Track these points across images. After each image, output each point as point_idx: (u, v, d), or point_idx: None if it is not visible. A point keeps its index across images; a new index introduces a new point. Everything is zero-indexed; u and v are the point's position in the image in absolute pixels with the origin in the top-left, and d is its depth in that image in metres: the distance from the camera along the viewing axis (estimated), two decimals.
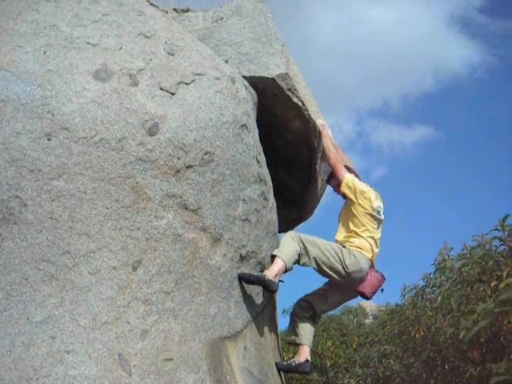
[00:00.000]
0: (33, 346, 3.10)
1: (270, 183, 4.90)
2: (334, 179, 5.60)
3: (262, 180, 4.54)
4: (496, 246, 6.15)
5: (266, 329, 4.88)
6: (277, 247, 4.88)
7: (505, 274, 5.46)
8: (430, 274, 8.07)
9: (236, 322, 4.15)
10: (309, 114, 5.50)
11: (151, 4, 4.60)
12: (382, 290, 5.23)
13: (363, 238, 5.07)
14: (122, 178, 3.55)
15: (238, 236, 4.19)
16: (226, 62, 4.89)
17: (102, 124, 3.56)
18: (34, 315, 3.17)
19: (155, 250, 3.60)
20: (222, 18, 5.43)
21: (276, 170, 5.35)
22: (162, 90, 3.87)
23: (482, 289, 5.89)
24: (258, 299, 4.63)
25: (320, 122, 5.69)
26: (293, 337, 5.28)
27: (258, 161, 4.52)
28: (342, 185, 5.25)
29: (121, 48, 3.93)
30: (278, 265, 4.64)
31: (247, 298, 4.40)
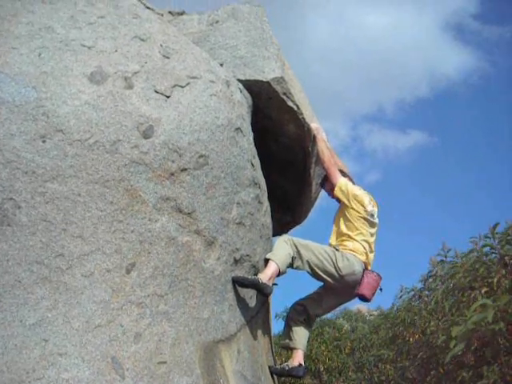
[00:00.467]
0: (25, 349, 3.09)
1: (264, 187, 4.90)
2: (327, 183, 5.61)
3: (256, 183, 4.54)
4: (487, 252, 6.19)
5: (259, 332, 4.88)
6: (271, 251, 4.88)
7: (495, 280, 5.49)
8: (427, 276, 8.09)
9: (230, 325, 4.15)
10: (303, 118, 5.51)
11: (147, 7, 4.59)
12: (381, 289, 5.22)
13: (357, 241, 5.07)
14: (117, 181, 3.54)
15: (232, 239, 4.19)
16: (221, 65, 4.89)
17: (97, 126, 3.55)
18: (27, 318, 3.16)
19: (149, 252, 3.59)
20: (217, 22, 5.43)
21: (270, 173, 5.35)
22: (157, 92, 3.87)
23: (473, 295, 5.92)
24: (252, 303, 4.63)
25: (314, 125, 5.70)
26: (287, 341, 5.28)
27: (252, 164, 4.53)
28: (336, 189, 5.26)
29: (116, 51, 3.92)
30: (271, 268, 4.64)
31: (241, 302, 4.40)
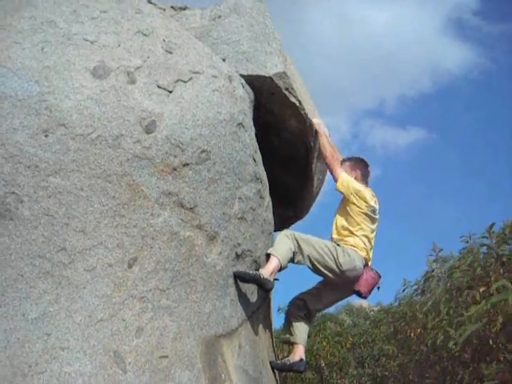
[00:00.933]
0: (28, 343, 3.10)
1: (266, 182, 4.91)
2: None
3: (258, 178, 4.55)
4: (484, 252, 6.20)
5: (260, 327, 4.89)
6: (272, 246, 4.88)
7: (493, 279, 5.50)
8: (425, 274, 8.08)
9: (231, 320, 4.16)
10: (305, 113, 5.51)
11: (149, 2, 4.59)
12: (379, 288, 5.24)
13: (357, 236, 5.08)
14: (119, 176, 3.55)
15: (233, 234, 4.20)
16: (224, 60, 4.89)
17: (99, 121, 3.56)
18: (30, 312, 3.17)
19: (151, 247, 3.60)
20: (219, 17, 5.42)
21: (272, 168, 5.35)
22: (160, 87, 3.87)
23: (471, 295, 5.92)
24: (254, 298, 4.64)
25: (316, 120, 5.70)
26: (287, 336, 5.29)
27: (254, 159, 4.53)
28: (337, 184, 5.26)
29: (119, 45, 3.92)
30: (272, 263, 4.65)
31: (242, 297, 4.41)
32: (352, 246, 5.02)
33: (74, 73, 3.66)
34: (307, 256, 4.91)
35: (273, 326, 5.94)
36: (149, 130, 3.69)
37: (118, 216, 3.52)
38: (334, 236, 5.19)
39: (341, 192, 5.27)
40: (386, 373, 10.52)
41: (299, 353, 5.13)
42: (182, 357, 3.56)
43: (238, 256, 4.27)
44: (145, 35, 4.12)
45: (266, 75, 5.00)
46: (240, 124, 4.33)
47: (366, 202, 5.17)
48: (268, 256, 4.76)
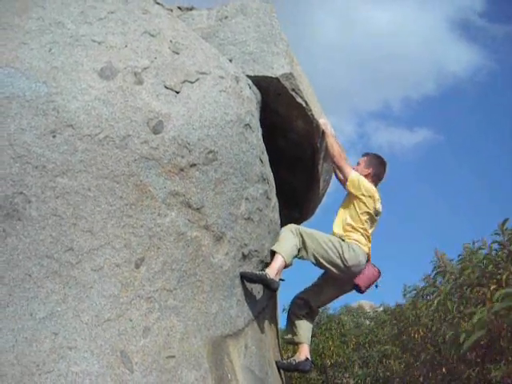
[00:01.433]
0: (36, 342, 3.11)
1: (272, 182, 4.91)
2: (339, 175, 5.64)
3: (264, 179, 4.56)
4: (496, 249, 6.18)
5: (266, 327, 4.90)
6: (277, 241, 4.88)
7: (504, 277, 5.48)
8: (430, 276, 8.06)
9: (237, 320, 4.17)
10: (312, 114, 5.51)
11: (156, 2, 4.59)
12: (377, 285, 5.25)
13: (359, 232, 5.09)
14: (126, 176, 3.56)
15: (240, 235, 4.21)
16: (230, 61, 4.89)
17: (107, 122, 3.57)
18: (37, 311, 3.18)
19: (158, 247, 3.61)
20: (226, 17, 5.43)
21: (278, 169, 5.36)
22: (167, 88, 3.88)
23: (481, 292, 5.91)
24: (260, 298, 4.64)
25: (323, 121, 5.70)
26: (290, 336, 5.30)
27: (261, 160, 4.54)
28: (348, 183, 5.24)
29: (126, 46, 3.93)
30: (278, 262, 4.65)
31: (249, 297, 4.41)
32: (356, 240, 5.03)
33: (82, 74, 3.67)
34: (312, 252, 4.91)
35: (278, 326, 5.94)
36: (156, 130, 3.70)
37: (125, 216, 3.53)
38: (337, 231, 5.18)
39: (351, 192, 5.26)
40: (388, 373, 10.52)
41: (304, 352, 5.13)
42: (188, 357, 3.57)
43: (244, 256, 4.28)
44: (152, 36, 4.13)
45: (273, 76, 5.00)
46: (247, 125, 4.34)
47: (374, 203, 5.17)
48: (273, 253, 4.76)
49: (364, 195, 5.15)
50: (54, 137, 3.43)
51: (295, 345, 5.42)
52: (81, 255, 3.36)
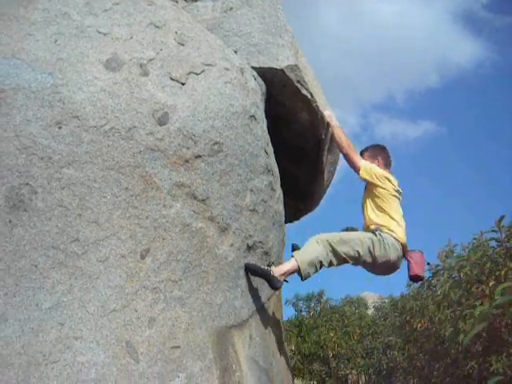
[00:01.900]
0: (42, 332, 3.13)
1: (277, 174, 4.92)
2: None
3: (269, 171, 4.56)
4: (493, 246, 6.19)
5: (271, 318, 4.92)
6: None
7: (503, 273, 5.49)
8: (434, 267, 8.08)
9: (242, 311, 4.19)
10: (317, 106, 5.51)
11: None
12: (428, 263, 5.19)
13: (394, 220, 5.01)
14: (132, 167, 3.57)
15: (245, 226, 4.22)
16: (236, 52, 4.90)
17: (113, 113, 3.58)
18: (44, 301, 3.20)
19: (163, 238, 3.63)
20: (231, 9, 5.42)
21: (283, 161, 5.36)
22: (172, 80, 3.89)
23: (480, 289, 5.93)
24: (264, 289, 4.65)
25: (327, 112, 5.69)
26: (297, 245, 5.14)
27: (266, 152, 4.55)
28: (360, 172, 5.17)
29: (131, 38, 3.94)
30: (289, 266, 4.57)
31: (253, 288, 4.43)
32: (391, 231, 4.92)
33: (88, 65, 3.68)
34: (342, 256, 4.74)
35: (282, 317, 5.96)
36: (161, 121, 3.71)
37: (130, 207, 3.54)
38: (370, 223, 5.10)
39: (365, 179, 5.20)
40: (392, 364, 10.57)
41: (286, 269, 4.63)
42: (193, 347, 3.59)
43: (249, 248, 4.29)
44: (157, 27, 4.13)
45: (278, 68, 5.00)
46: (252, 116, 4.35)
47: (392, 184, 5.11)
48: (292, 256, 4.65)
49: (379, 179, 5.09)
50: (59, 128, 3.44)
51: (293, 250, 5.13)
52: (86, 246, 3.38)
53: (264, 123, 4.70)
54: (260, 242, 4.46)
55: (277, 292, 5.19)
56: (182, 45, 4.14)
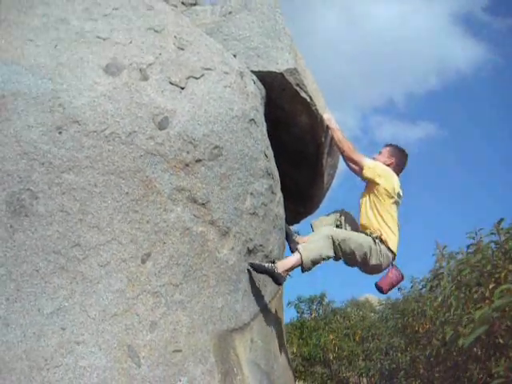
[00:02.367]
0: (43, 337, 3.14)
1: (277, 177, 4.93)
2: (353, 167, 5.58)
3: (269, 174, 4.57)
4: (493, 249, 6.18)
5: (272, 321, 4.92)
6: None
7: (502, 275, 5.49)
8: (434, 271, 8.06)
9: (243, 314, 4.19)
10: (316, 109, 5.51)
11: None
12: (399, 288, 5.25)
13: (389, 227, 5.04)
14: (132, 172, 3.58)
15: (245, 229, 4.23)
16: (235, 56, 4.90)
17: (113, 118, 3.59)
18: (45, 306, 3.21)
19: (164, 242, 3.63)
20: (230, 12, 5.43)
21: (283, 164, 5.36)
22: (172, 84, 3.90)
23: (480, 292, 5.92)
24: (265, 292, 4.67)
25: (326, 115, 5.68)
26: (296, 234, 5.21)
27: (265, 155, 4.55)
28: (364, 170, 5.15)
29: (131, 42, 3.95)
30: (293, 260, 4.61)
31: (254, 291, 4.44)
32: (387, 240, 4.97)
33: (87, 70, 3.69)
34: (341, 255, 4.83)
35: (284, 320, 5.96)
36: (161, 126, 3.72)
37: (131, 212, 3.55)
38: (367, 226, 5.11)
39: (368, 178, 5.19)
40: (394, 365, 10.55)
41: (289, 265, 4.66)
42: (195, 351, 3.60)
43: (249, 251, 4.30)
44: (156, 32, 4.14)
45: (277, 71, 5.00)
46: (252, 120, 4.36)
47: (393, 184, 5.09)
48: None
49: (380, 176, 5.06)
50: (60, 133, 3.45)
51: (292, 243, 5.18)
52: (88, 251, 3.38)
53: (264, 127, 4.70)
54: (260, 245, 4.46)
55: (277, 295, 5.20)
56: (182, 49, 4.15)
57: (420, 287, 9.21)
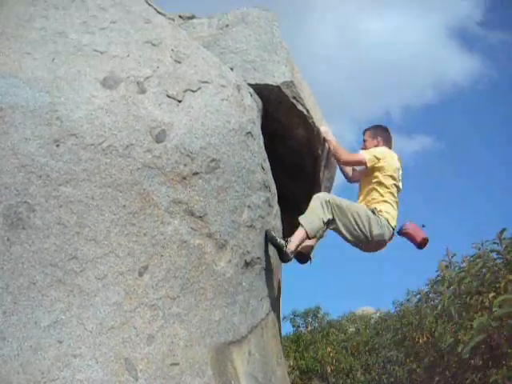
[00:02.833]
0: (40, 350, 3.13)
1: (274, 190, 4.93)
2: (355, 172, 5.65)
3: (266, 187, 4.58)
4: (494, 258, 6.21)
5: (269, 334, 4.90)
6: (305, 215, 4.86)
7: (502, 285, 5.51)
8: (433, 279, 8.07)
9: (240, 327, 4.18)
10: (313, 122, 5.54)
11: (158, 12, 4.62)
12: (424, 225, 5.23)
13: (388, 203, 5.10)
14: (129, 185, 3.58)
15: (243, 242, 4.22)
16: (232, 69, 4.92)
17: (110, 131, 3.60)
18: (42, 319, 3.20)
19: (161, 255, 3.63)
20: (227, 26, 5.45)
21: (280, 177, 5.37)
22: (169, 97, 3.91)
23: (480, 300, 5.93)
24: (262, 305, 4.65)
25: (323, 128, 5.71)
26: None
27: (262, 168, 4.56)
28: (367, 163, 5.22)
29: (128, 55, 3.97)
30: (299, 236, 4.70)
31: (252, 304, 4.42)
32: (387, 212, 5.02)
33: (85, 83, 3.70)
34: (341, 225, 4.87)
35: (281, 333, 5.95)
36: (159, 139, 3.72)
37: (128, 224, 3.55)
38: (367, 201, 5.18)
39: (374, 167, 5.22)
40: (392, 379, 10.53)
41: (296, 243, 4.73)
42: (192, 364, 3.58)
43: (247, 264, 4.29)
44: (154, 45, 4.16)
45: (274, 84, 5.03)
46: (249, 133, 4.37)
47: (393, 160, 5.22)
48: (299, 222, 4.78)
49: (380, 158, 5.15)
50: (57, 146, 3.45)
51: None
52: (85, 263, 3.38)
53: (261, 139, 4.72)
54: (258, 257, 4.46)
55: (275, 307, 5.19)
56: (179, 62, 4.17)
57: (417, 299, 9.23)
